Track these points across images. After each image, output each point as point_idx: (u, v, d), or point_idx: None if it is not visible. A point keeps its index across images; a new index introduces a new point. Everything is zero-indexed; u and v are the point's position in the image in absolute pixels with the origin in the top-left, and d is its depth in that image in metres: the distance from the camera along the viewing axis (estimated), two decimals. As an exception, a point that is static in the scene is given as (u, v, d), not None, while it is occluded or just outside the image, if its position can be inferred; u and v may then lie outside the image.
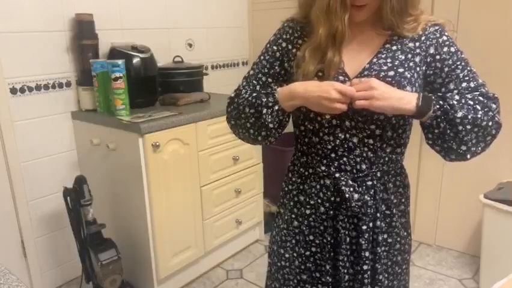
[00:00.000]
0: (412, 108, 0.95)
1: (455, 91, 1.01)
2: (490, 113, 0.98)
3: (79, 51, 2.13)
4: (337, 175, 1.06)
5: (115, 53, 2.14)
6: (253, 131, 1.10)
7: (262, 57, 1.14)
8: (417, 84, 1.00)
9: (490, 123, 0.98)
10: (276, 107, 1.03)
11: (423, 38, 1.02)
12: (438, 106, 0.96)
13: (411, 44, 1.02)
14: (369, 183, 1.06)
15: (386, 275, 1.13)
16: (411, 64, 1.01)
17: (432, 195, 2.58)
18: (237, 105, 1.12)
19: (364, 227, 1.07)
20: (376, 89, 0.93)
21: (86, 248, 1.95)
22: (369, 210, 1.06)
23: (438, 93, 1.02)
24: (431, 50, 1.02)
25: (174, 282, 2.21)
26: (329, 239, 1.10)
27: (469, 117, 0.95)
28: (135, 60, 2.13)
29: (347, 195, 1.05)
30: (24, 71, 1.99)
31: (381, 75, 0.98)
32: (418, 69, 1.01)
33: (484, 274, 2.14)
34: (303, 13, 1.08)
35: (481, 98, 1.00)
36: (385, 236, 1.10)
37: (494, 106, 1.00)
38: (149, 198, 1.96)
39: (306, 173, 1.12)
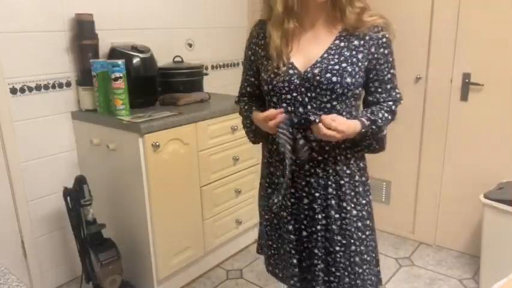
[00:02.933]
0: (353, 136, 1.23)
1: (379, 89, 1.25)
2: (393, 117, 1.28)
3: (79, 51, 2.13)
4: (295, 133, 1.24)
5: (115, 53, 2.14)
6: (248, 134, 1.46)
7: (244, 62, 1.44)
8: (357, 76, 1.19)
9: (393, 119, 1.29)
10: (253, 127, 1.38)
11: (367, 37, 1.20)
12: (370, 130, 1.23)
13: (356, 42, 1.20)
14: (321, 158, 1.26)
15: (351, 240, 1.29)
16: (354, 60, 1.19)
17: (432, 195, 2.58)
18: (239, 113, 1.48)
19: (317, 194, 1.28)
20: (339, 128, 1.15)
21: (86, 248, 1.95)
22: (320, 180, 1.27)
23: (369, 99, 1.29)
24: (373, 49, 1.21)
25: (174, 282, 2.21)
26: (291, 200, 1.32)
27: (386, 130, 1.28)
28: (135, 60, 2.13)
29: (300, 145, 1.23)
30: (24, 71, 1.99)
31: (328, 68, 1.18)
32: (360, 64, 1.20)
33: (484, 274, 2.14)
34: (266, 14, 1.28)
35: (393, 107, 1.27)
36: (337, 200, 1.28)
37: (396, 110, 1.28)
38: (149, 198, 1.96)
39: (273, 148, 1.35)
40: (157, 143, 1.92)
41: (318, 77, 1.18)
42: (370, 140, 1.26)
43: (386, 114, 1.24)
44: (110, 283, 1.91)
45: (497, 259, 2.04)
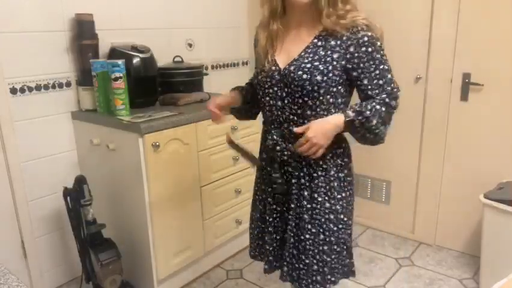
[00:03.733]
0: (341, 130, 1.29)
1: (369, 86, 1.27)
2: (390, 110, 1.28)
3: (79, 51, 2.13)
4: (273, 133, 1.38)
5: (115, 53, 2.14)
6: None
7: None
8: (330, 75, 1.25)
9: (389, 116, 1.29)
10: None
11: (344, 38, 1.24)
12: (357, 122, 1.25)
13: (333, 42, 1.26)
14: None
15: (320, 229, 1.36)
16: (328, 59, 1.25)
17: (432, 195, 2.58)
18: None
19: (293, 180, 1.37)
20: (314, 143, 1.24)
21: (86, 248, 1.95)
22: (293, 170, 1.36)
23: (360, 94, 1.31)
24: (351, 49, 1.24)
25: (174, 282, 2.21)
26: (264, 186, 1.48)
27: (380, 121, 1.26)
28: (135, 60, 2.13)
29: (271, 140, 1.37)
30: (24, 71, 1.99)
31: (301, 66, 1.26)
32: (335, 63, 1.25)
33: (484, 274, 2.14)
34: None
35: (387, 100, 1.26)
36: (309, 191, 1.36)
37: (393, 103, 1.28)
38: (149, 198, 1.96)
39: (263, 136, 1.48)
40: (157, 143, 1.92)
41: (292, 74, 1.28)
42: (362, 131, 1.27)
43: (377, 106, 1.25)
44: (110, 283, 1.91)
45: (497, 259, 2.04)
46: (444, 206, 2.56)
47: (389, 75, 1.27)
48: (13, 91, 1.97)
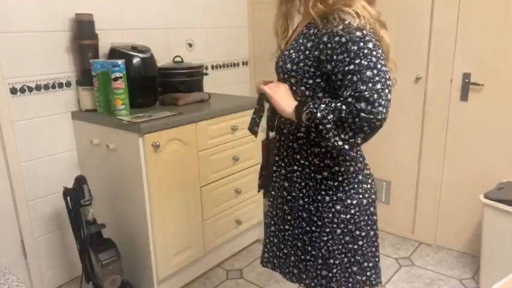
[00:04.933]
0: (292, 118, 1.20)
1: (344, 81, 1.08)
2: (355, 112, 1.03)
3: (79, 51, 2.13)
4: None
5: (115, 53, 2.14)
6: None
7: None
8: (301, 64, 1.18)
9: (357, 120, 1.04)
10: None
11: (321, 26, 1.13)
12: (306, 110, 1.13)
13: (312, 31, 1.17)
14: (282, 138, 1.33)
15: (295, 224, 1.34)
16: (301, 47, 1.18)
17: (432, 195, 2.58)
18: None
19: (283, 171, 1.35)
20: (274, 92, 1.23)
21: (86, 248, 1.95)
22: (278, 159, 1.36)
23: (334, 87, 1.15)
24: (325, 38, 1.12)
25: (174, 282, 2.21)
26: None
27: (329, 117, 1.08)
28: (135, 60, 2.12)
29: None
30: (24, 71, 1.99)
31: (284, 53, 1.24)
32: (308, 52, 1.16)
33: (484, 274, 2.14)
34: None
35: (349, 99, 1.05)
36: (288, 183, 1.33)
37: (362, 105, 1.02)
38: (149, 198, 1.96)
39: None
40: (157, 143, 1.92)
41: (278, 62, 1.29)
42: (313, 131, 1.13)
43: (337, 105, 1.06)
44: (110, 283, 1.91)
45: (497, 259, 2.04)
46: (444, 206, 2.56)
47: (369, 73, 1.03)
48: (13, 91, 1.97)
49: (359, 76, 1.04)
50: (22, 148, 2.03)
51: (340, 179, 1.26)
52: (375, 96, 1.02)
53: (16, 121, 2.00)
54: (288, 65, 1.21)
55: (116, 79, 1.96)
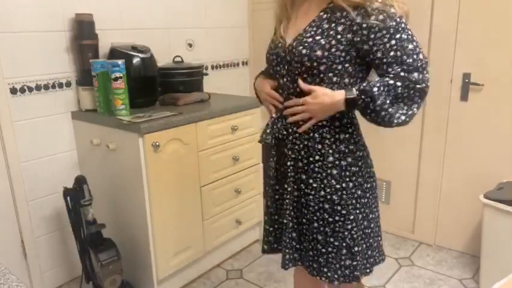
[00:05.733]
0: (341, 109, 1.18)
1: (384, 59, 1.11)
2: (411, 85, 1.10)
3: (79, 51, 2.13)
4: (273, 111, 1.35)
5: (115, 53, 2.14)
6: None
7: None
8: (333, 50, 1.14)
9: (412, 92, 1.11)
10: (254, 84, 1.48)
11: (351, 8, 1.12)
12: (360, 101, 1.13)
13: (338, 14, 1.14)
14: (295, 129, 1.28)
15: (313, 217, 1.29)
16: (331, 32, 1.14)
17: (432, 195, 2.58)
18: None
19: (289, 163, 1.31)
20: (308, 110, 1.19)
21: (86, 248, 1.95)
22: (290, 153, 1.30)
23: (376, 69, 1.16)
24: (358, 19, 1.11)
25: (174, 282, 2.21)
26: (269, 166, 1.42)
27: (387, 101, 1.11)
28: (135, 60, 2.12)
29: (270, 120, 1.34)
30: (24, 71, 1.99)
31: (303, 41, 1.17)
32: (339, 36, 1.13)
33: (484, 274, 2.14)
34: None
35: (402, 73, 1.10)
36: (306, 176, 1.28)
37: (415, 75, 1.10)
38: (149, 198, 1.96)
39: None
40: (157, 143, 1.92)
41: (293, 49, 1.20)
42: (369, 113, 1.14)
43: (390, 81, 1.10)
44: (110, 283, 1.91)
45: (497, 259, 2.04)
46: (444, 206, 2.56)
47: (410, 45, 1.09)
48: (13, 91, 1.97)
49: (402, 51, 1.09)
50: (22, 148, 2.03)
51: (359, 163, 1.29)
52: (423, 65, 1.11)
53: (16, 121, 2.00)
54: (319, 52, 1.14)
55: (116, 79, 1.96)
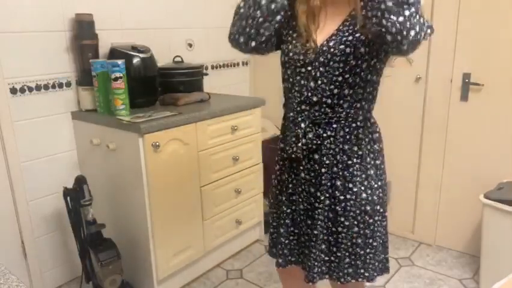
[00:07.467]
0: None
1: (375, 13, 1.03)
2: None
3: (79, 51, 2.13)
4: (299, 119, 1.27)
5: (115, 53, 2.14)
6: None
7: None
8: (371, 44, 1.15)
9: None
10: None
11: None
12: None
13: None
14: (328, 133, 1.25)
15: (354, 221, 1.27)
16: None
17: (432, 195, 2.58)
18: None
19: (323, 170, 1.27)
20: None
21: (86, 248, 1.95)
22: (324, 158, 1.26)
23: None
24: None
25: (174, 282, 2.21)
26: (286, 176, 1.37)
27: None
28: (135, 60, 2.12)
29: (298, 132, 1.27)
30: (24, 71, 1.99)
31: (343, 40, 1.17)
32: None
33: (484, 274, 2.14)
34: None
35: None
36: (343, 181, 1.26)
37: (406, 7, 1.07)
38: (149, 198, 1.96)
39: (285, 123, 1.34)
40: (157, 143, 1.92)
41: (332, 49, 1.18)
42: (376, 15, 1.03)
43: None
44: (110, 283, 1.91)
45: (497, 259, 2.04)
46: (444, 206, 2.56)
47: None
48: (13, 91, 1.97)
49: (384, 5, 1.03)
50: (22, 148, 2.03)
51: (382, 159, 1.34)
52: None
53: (16, 121, 2.00)
54: (362, 49, 1.16)
55: (116, 79, 1.96)
